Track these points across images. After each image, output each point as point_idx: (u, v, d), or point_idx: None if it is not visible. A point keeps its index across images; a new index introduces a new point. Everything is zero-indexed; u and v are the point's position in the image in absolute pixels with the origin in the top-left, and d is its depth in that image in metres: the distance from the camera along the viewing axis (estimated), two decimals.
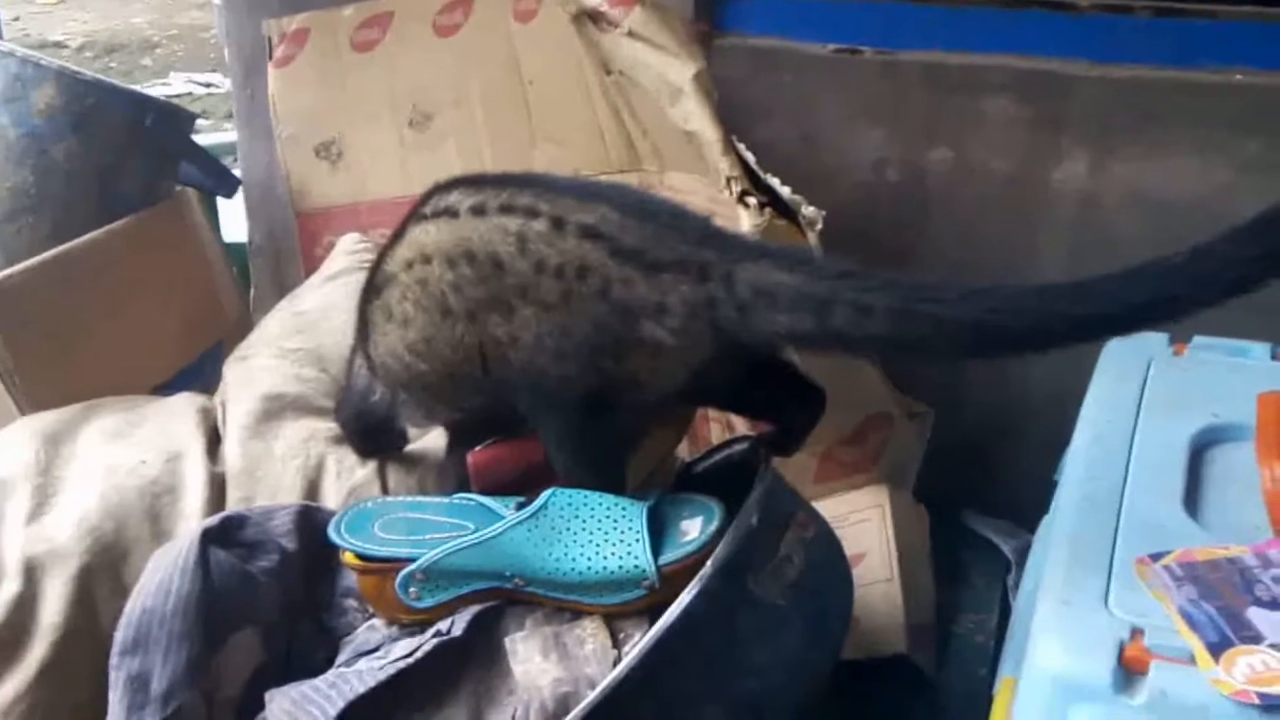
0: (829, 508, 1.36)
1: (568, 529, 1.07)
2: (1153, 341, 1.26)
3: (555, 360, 1.08)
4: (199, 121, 1.67)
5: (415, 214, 1.17)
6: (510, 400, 1.15)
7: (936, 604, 1.51)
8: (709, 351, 1.05)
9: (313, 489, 1.30)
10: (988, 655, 1.46)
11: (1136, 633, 0.88)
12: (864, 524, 1.50)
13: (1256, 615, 0.89)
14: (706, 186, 1.41)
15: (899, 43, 1.61)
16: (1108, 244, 1.57)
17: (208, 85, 4.86)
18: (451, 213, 1.13)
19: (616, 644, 1.06)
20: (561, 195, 1.10)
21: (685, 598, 1.00)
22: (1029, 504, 1.28)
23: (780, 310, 1.01)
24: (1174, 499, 1.04)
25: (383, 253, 1.21)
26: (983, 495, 1.69)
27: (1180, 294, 0.93)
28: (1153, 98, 1.52)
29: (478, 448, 1.23)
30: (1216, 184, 1.51)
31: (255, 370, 1.43)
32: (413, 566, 1.08)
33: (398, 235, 1.18)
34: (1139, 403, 1.16)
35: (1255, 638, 0.87)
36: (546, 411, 1.12)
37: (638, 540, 1.05)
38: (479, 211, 1.11)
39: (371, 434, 1.32)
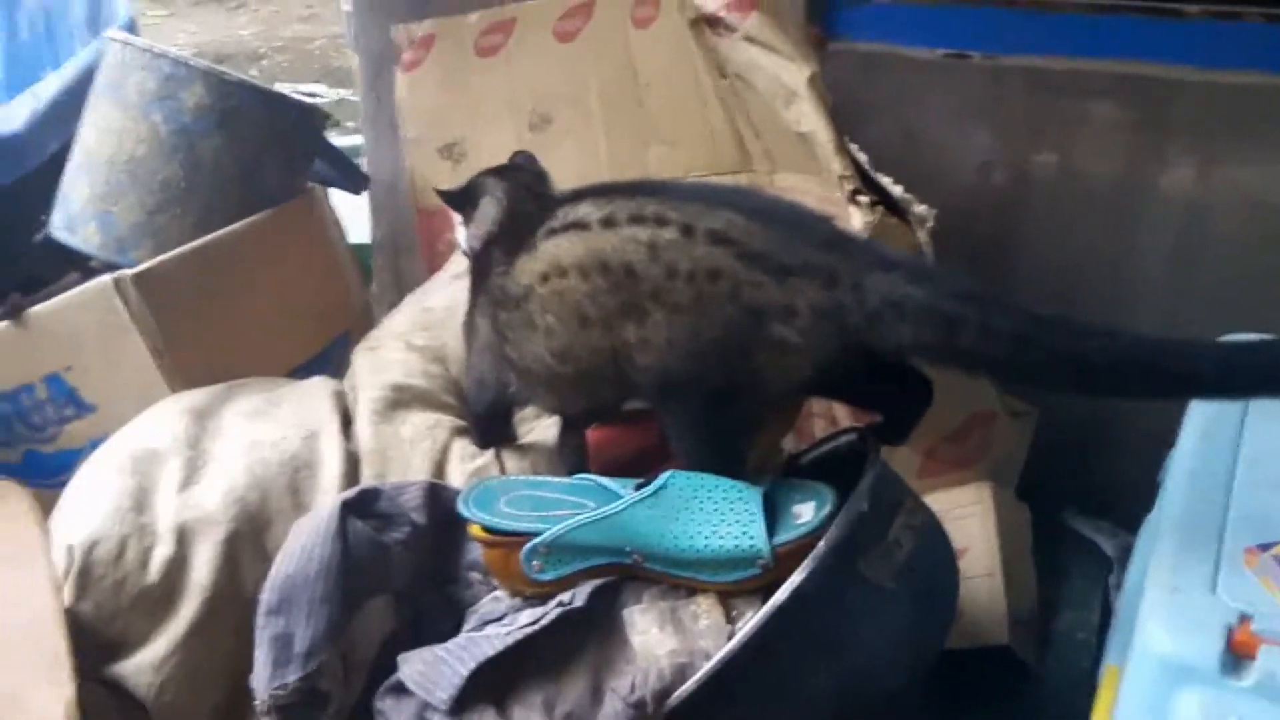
0: (933, 503, 1.36)
1: (686, 508, 1.12)
2: None
3: (685, 359, 1.13)
4: None
5: (546, 228, 1.22)
6: (637, 394, 1.21)
7: (1038, 600, 1.53)
8: (834, 352, 1.10)
9: (439, 470, 1.37)
10: (1089, 650, 1.47)
11: (1245, 618, 0.90)
12: (967, 519, 1.52)
13: None
14: (817, 186, 1.44)
15: (1005, 48, 1.64)
16: (1212, 249, 1.58)
17: (312, 95, 4.99)
18: (583, 225, 1.18)
19: (730, 620, 1.10)
20: (687, 203, 1.15)
21: (798, 577, 1.04)
22: (1130, 505, 1.29)
23: (908, 322, 1.05)
24: None
25: (503, 261, 1.26)
26: (1085, 496, 1.70)
27: None
28: (1259, 103, 1.52)
29: (594, 426, 1.29)
30: None
31: (385, 361, 1.50)
32: (537, 540, 1.13)
33: (522, 248, 1.23)
34: (1246, 403, 1.16)
35: None
36: (674, 405, 1.18)
37: (754, 521, 1.09)
38: (610, 223, 1.16)
39: (498, 423, 1.39)
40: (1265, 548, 0.99)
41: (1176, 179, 1.59)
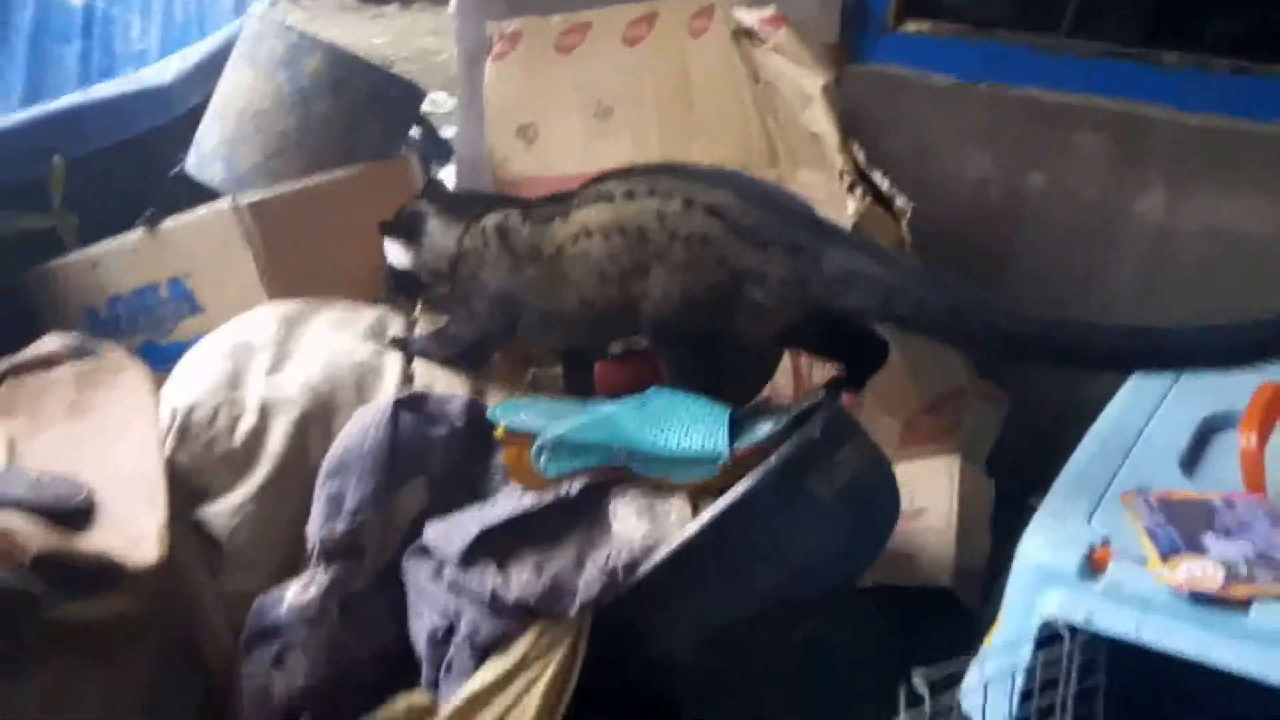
0: (906, 469, 1.54)
1: (665, 416, 1.35)
2: None
3: (678, 311, 1.38)
4: None
5: (578, 199, 1.47)
6: (637, 333, 1.47)
7: (992, 564, 1.69)
8: (798, 314, 1.34)
9: (479, 392, 1.61)
10: None
11: (1106, 540, 1.10)
12: (933, 484, 1.70)
13: (1209, 539, 1.10)
14: (827, 182, 1.65)
15: (1009, 79, 1.82)
16: (1175, 269, 1.74)
17: (433, 102, 5.21)
18: (609, 197, 1.44)
19: (695, 516, 1.31)
20: (694, 181, 1.40)
21: (750, 479, 1.27)
22: None
23: (856, 290, 1.30)
24: (1173, 460, 1.24)
25: (543, 224, 1.51)
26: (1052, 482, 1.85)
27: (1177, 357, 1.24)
28: (1226, 144, 1.68)
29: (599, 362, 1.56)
30: (1278, 223, 1.68)
31: None
32: (545, 438, 1.35)
33: (559, 213, 1.48)
34: (1170, 388, 1.35)
35: (1202, 552, 1.07)
36: (667, 348, 1.44)
37: (720, 428, 1.32)
38: (630, 196, 1.42)
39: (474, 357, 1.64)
40: (1142, 491, 1.17)
41: (1149, 207, 1.75)
